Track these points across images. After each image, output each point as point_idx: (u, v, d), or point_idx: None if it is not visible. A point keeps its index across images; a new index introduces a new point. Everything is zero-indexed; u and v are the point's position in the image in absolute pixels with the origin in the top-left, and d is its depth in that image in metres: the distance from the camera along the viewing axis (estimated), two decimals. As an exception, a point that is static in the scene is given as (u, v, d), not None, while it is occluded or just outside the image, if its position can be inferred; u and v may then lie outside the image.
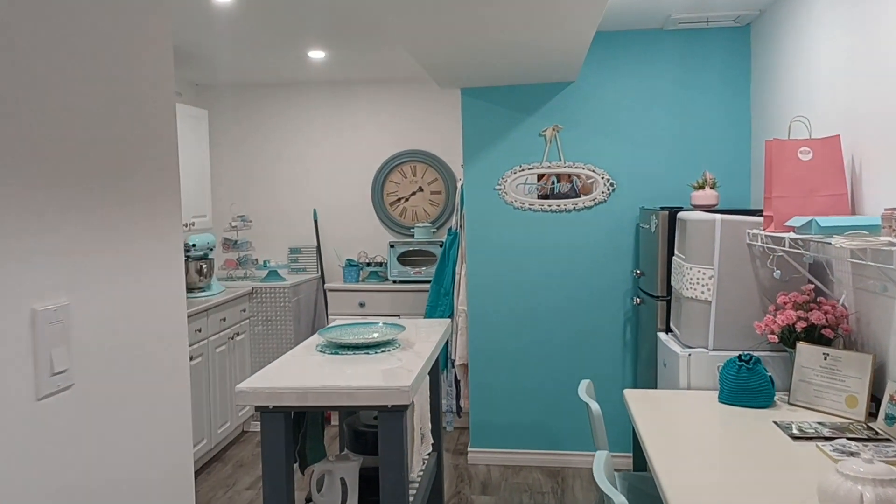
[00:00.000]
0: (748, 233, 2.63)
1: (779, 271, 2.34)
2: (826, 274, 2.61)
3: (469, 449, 4.06)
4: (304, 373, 2.21)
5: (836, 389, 2.26)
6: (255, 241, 5.25)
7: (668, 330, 3.13)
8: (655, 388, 3.18)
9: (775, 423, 2.19)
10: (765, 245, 2.51)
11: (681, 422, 2.26)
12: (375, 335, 2.57)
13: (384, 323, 2.72)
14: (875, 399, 2.18)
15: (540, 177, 3.87)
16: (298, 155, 5.37)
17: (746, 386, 2.37)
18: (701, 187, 3.36)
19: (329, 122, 5.33)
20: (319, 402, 2.05)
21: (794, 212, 2.37)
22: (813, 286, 2.48)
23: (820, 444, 1.96)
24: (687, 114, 3.74)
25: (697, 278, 2.69)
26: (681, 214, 2.95)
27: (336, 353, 2.45)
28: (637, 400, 2.49)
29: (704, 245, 2.68)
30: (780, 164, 2.41)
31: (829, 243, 1.92)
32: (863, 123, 2.34)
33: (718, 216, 2.67)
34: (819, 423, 2.16)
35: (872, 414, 2.18)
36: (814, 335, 2.40)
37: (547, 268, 3.90)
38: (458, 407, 4.33)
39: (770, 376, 2.38)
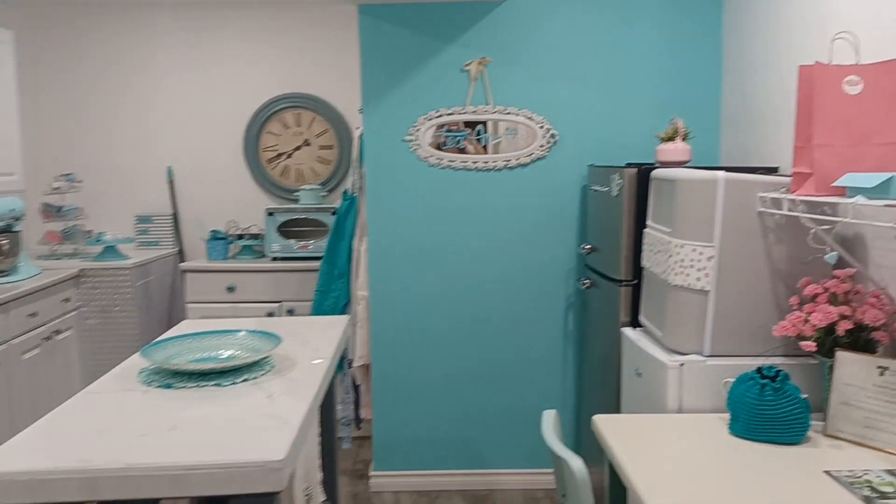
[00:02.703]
0: (761, 197, 1.98)
1: (834, 253, 1.71)
2: (859, 253, 2.01)
3: (372, 472, 3.31)
4: (99, 435, 1.36)
5: (902, 419, 1.66)
6: (88, 208, 4.20)
7: (635, 324, 2.48)
8: (616, 396, 2.53)
9: (827, 473, 1.55)
10: (792, 213, 1.87)
11: (689, 468, 1.59)
12: (232, 354, 1.74)
13: (249, 332, 1.88)
14: (960, 433, 1.59)
15: (469, 124, 3.10)
16: (146, 96, 4.32)
17: (774, 414, 1.74)
18: (670, 138, 2.70)
19: (186, 56, 4.31)
20: (121, 493, 1.21)
21: (841, 166, 1.73)
22: (853, 271, 1.87)
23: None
24: (643, 48, 3.07)
25: (691, 259, 2.02)
26: (660, 172, 2.27)
27: (168, 387, 1.61)
28: (616, 431, 1.81)
29: (702, 214, 2.01)
30: (824, 98, 1.75)
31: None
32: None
33: (721, 174, 2.00)
34: (888, 472, 1.55)
35: (957, 455, 1.59)
36: (860, 340, 1.79)
37: (471, 241, 3.16)
38: (358, 417, 3.56)
39: (805, 399, 1.76)
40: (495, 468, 3.29)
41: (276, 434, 1.34)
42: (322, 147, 4.38)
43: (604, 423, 1.89)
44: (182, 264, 4.02)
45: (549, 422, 1.74)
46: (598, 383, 2.82)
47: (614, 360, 2.55)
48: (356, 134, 3.38)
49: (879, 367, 1.71)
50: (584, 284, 2.97)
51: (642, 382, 2.23)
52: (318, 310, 3.43)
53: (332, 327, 2.27)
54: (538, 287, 3.19)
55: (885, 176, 1.48)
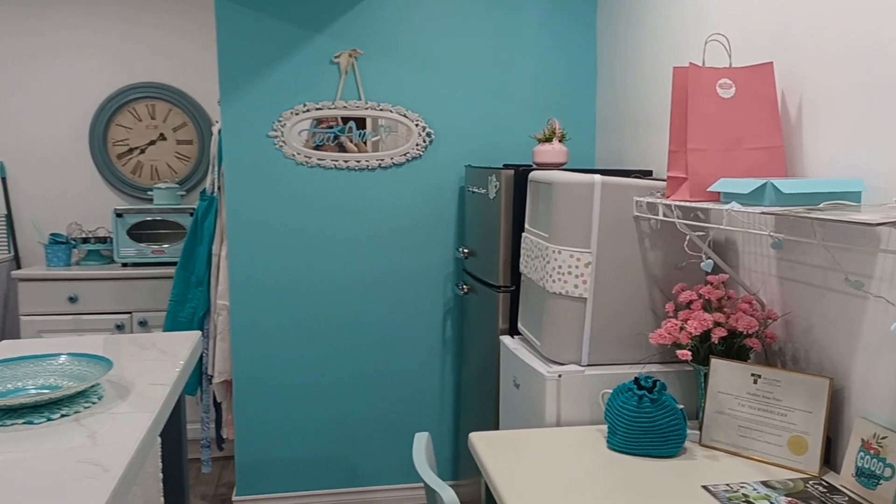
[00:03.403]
0: (636, 201, 1.95)
1: (710, 261, 1.68)
2: (731, 259, 2.02)
3: (235, 497, 3.06)
4: None
5: (774, 427, 1.66)
6: None
7: (513, 332, 2.40)
8: (495, 407, 2.45)
9: (705, 488, 1.52)
10: (668, 219, 1.84)
11: (565, 485, 1.51)
12: (49, 384, 1.49)
13: (71, 355, 1.62)
14: (828, 440, 1.61)
15: (344, 120, 2.92)
16: (-30, 81, 3.83)
17: (651, 426, 1.69)
18: (547, 140, 2.66)
19: (21, 36, 3.85)
20: None
21: (715, 171, 1.71)
22: (726, 277, 1.87)
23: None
24: (521, 46, 3.02)
25: (569, 266, 1.96)
26: (537, 175, 2.20)
27: (-38, 429, 1.34)
28: (492, 448, 1.71)
29: (579, 219, 1.95)
30: (697, 101, 1.73)
31: (840, 219, 1.24)
32: (805, 44, 1.73)
33: (598, 177, 1.95)
34: (763, 483, 1.54)
35: (826, 463, 1.61)
36: (733, 347, 1.78)
37: (342, 245, 2.99)
38: (220, 437, 3.29)
39: (682, 410, 1.73)
40: (371, 485, 3.14)
41: (92, 486, 1.13)
42: (180, 142, 4.05)
43: (479, 441, 1.79)
44: (15, 272, 3.59)
45: (421, 447, 1.61)
46: (477, 393, 2.73)
47: (493, 370, 2.46)
48: (215, 128, 3.12)
49: (753, 374, 1.71)
50: (462, 290, 2.87)
51: (521, 394, 2.15)
52: (174, 321, 3.14)
53: (180, 344, 2.04)
54: (415, 294, 3.07)
55: (759, 182, 1.46)
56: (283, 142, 2.89)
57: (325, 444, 3.08)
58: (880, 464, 1.43)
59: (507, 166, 2.48)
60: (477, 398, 2.73)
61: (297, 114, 2.88)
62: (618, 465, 1.65)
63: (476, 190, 2.72)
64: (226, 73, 2.84)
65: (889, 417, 1.46)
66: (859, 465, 1.48)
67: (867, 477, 1.46)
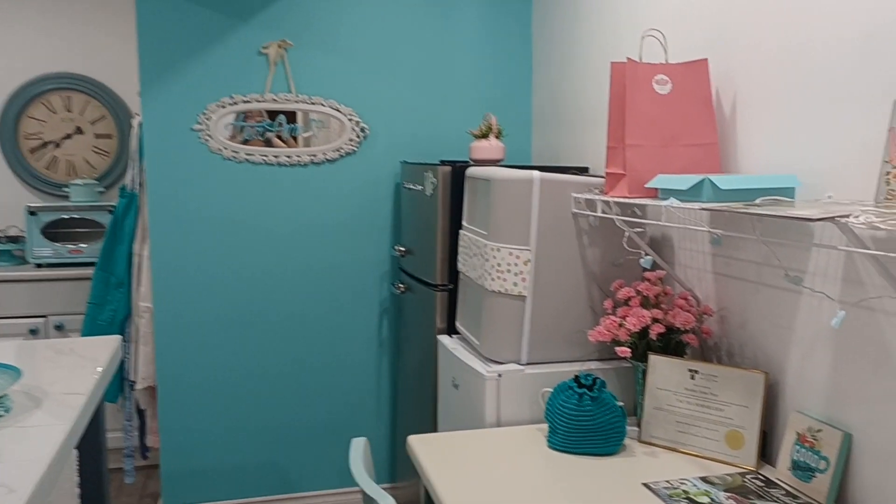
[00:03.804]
0: (575, 198, 1.94)
1: (649, 258, 1.68)
2: (667, 255, 2.04)
3: (161, 509, 2.93)
4: None
5: (712, 422, 1.68)
6: None
7: (452, 332, 2.37)
8: (433, 409, 2.42)
9: (646, 486, 1.52)
10: (606, 215, 1.83)
11: (505, 487, 1.48)
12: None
13: (-25, 366, 1.50)
14: (763, 435, 1.64)
15: (271, 114, 2.82)
16: None
17: (592, 425, 1.69)
18: (484, 136, 2.63)
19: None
20: None
21: (653, 167, 1.72)
22: (663, 273, 1.88)
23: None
24: (457, 40, 2.99)
25: (508, 264, 1.94)
26: (475, 171, 2.17)
27: None
28: (432, 451, 1.67)
29: (518, 216, 1.93)
30: (635, 97, 1.73)
31: (780, 215, 1.25)
32: (739, 42, 1.75)
33: (536, 173, 1.94)
34: (702, 479, 1.55)
35: (762, 457, 1.63)
36: (671, 343, 1.80)
37: (273, 244, 2.90)
38: (144, 446, 3.15)
39: (622, 407, 1.73)
40: (305, 490, 3.06)
41: (-5, 507, 1.03)
42: (98, 136, 3.85)
43: (418, 444, 1.75)
44: (-86, 274, 3.34)
45: (359, 454, 1.55)
46: (415, 395, 2.69)
47: (431, 370, 2.43)
48: (135, 122, 2.97)
49: (690, 370, 1.72)
50: (398, 289, 2.82)
51: (460, 394, 2.12)
52: (92, 325, 2.98)
53: (100, 349, 1.92)
54: (349, 293, 3.00)
55: (697, 178, 1.46)
56: (209, 136, 2.78)
57: (256, 450, 2.98)
58: (815, 456, 1.46)
59: (444, 162, 2.44)
60: (415, 399, 2.69)
61: (223, 107, 2.77)
62: (558, 465, 1.64)
63: (412, 186, 2.67)
64: (146, 64, 2.71)
65: (823, 411, 1.49)
66: (795, 458, 1.51)
67: (802, 470, 1.49)
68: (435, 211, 2.40)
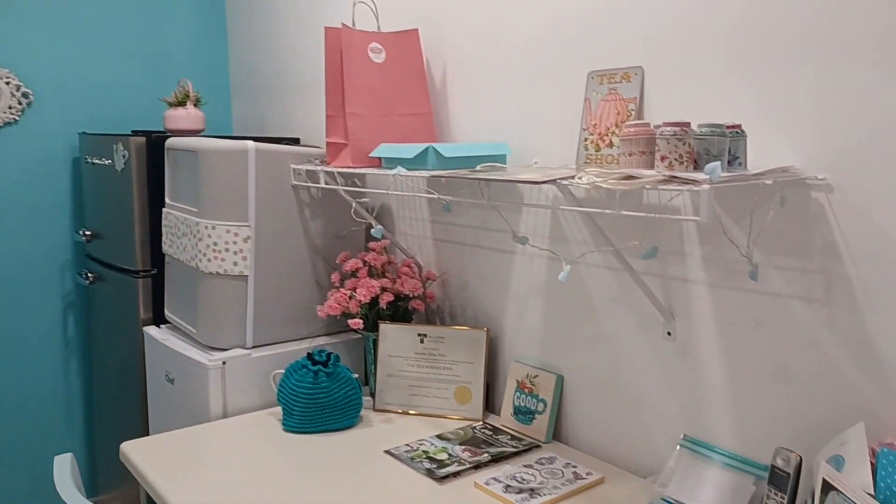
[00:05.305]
0: (295, 169, 1.89)
1: (380, 227, 1.69)
2: (387, 223, 2.09)
3: None
4: None
5: (442, 382, 1.77)
6: None
7: (160, 321, 2.17)
8: (143, 410, 2.20)
9: (388, 452, 1.56)
10: (330, 186, 1.82)
11: (240, 480, 1.41)
12: None
13: None
14: (487, 387, 1.78)
15: None
16: None
17: (329, 401, 1.68)
18: (180, 103, 2.43)
19: None
20: None
21: (373, 137, 1.74)
22: (387, 242, 1.92)
23: (480, 480, 1.42)
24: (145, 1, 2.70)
25: (225, 242, 1.82)
26: (177, 142, 1.99)
27: None
28: (152, 456, 1.53)
29: (232, 190, 1.82)
30: (352, 64, 1.73)
31: (507, 179, 1.34)
32: (447, 15, 1.84)
33: (251, 143, 1.84)
34: (438, 437, 1.63)
35: (487, 408, 1.77)
36: (399, 311, 1.86)
37: None
38: None
39: (357, 379, 1.74)
40: (-22, 529, 2.59)
41: None
42: None
43: (133, 450, 1.58)
44: None
45: (65, 471, 1.35)
46: (117, 396, 2.42)
47: (136, 367, 2.20)
48: None
49: (420, 334, 1.80)
50: (87, 279, 2.49)
51: (177, 389, 1.95)
52: None
53: None
54: (21, 290, 2.57)
55: (421, 147, 1.51)
56: None
57: None
58: (534, 400, 1.63)
59: (136, 133, 2.20)
60: (117, 402, 2.42)
61: None
62: (296, 446, 1.60)
63: (97, 161, 2.37)
64: None
65: (538, 357, 1.66)
66: (516, 404, 1.67)
67: (524, 414, 1.65)
68: (129, 188, 2.16)
